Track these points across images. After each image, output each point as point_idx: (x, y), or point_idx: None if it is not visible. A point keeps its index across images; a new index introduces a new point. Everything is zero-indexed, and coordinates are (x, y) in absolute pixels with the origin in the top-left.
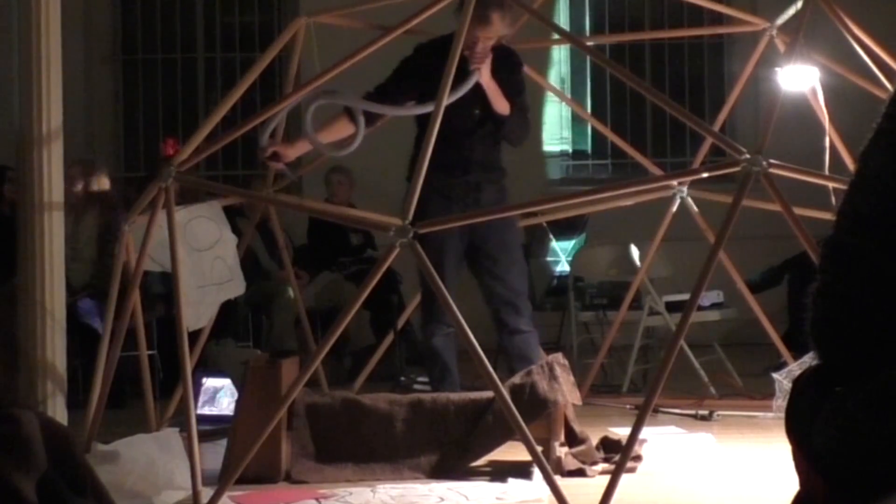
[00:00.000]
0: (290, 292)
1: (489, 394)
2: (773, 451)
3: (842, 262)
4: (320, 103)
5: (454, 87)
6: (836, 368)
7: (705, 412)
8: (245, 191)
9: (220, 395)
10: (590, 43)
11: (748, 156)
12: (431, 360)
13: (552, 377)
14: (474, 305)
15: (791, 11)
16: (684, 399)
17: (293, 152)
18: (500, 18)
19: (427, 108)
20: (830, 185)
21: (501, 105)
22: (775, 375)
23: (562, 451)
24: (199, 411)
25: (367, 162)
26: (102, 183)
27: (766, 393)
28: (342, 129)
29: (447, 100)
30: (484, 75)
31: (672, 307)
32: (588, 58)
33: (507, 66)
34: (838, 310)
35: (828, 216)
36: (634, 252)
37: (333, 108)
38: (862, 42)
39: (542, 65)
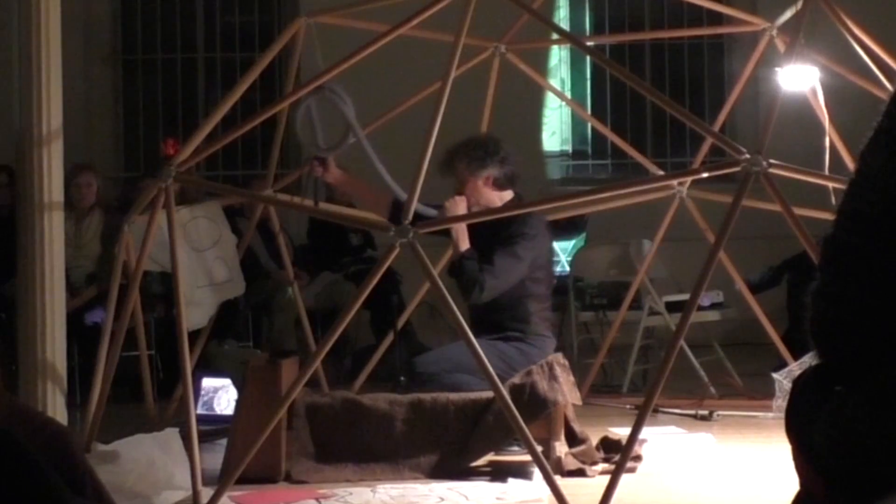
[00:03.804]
0: (290, 292)
1: (489, 394)
2: (773, 451)
3: (842, 262)
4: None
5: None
6: (836, 368)
7: (705, 412)
8: (245, 191)
9: (219, 395)
10: (590, 43)
11: (748, 156)
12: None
13: (552, 377)
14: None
15: (791, 11)
16: (684, 399)
17: (342, 179)
18: (463, 166)
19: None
20: (830, 185)
21: (460, 245)
22: (775, 375)
23: (562, 451)
24: (199, 411)
25: (368, 162)
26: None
27: (766, 393)
28: (381, 201)
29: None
30: (451, 211)
31: (672, 307)
32: (588, 58)
33: (502, 231)
34: (838, 309)
35: (828, 216)
36: (646, 245)
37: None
38: (862, 42)
39: (542, 65)
